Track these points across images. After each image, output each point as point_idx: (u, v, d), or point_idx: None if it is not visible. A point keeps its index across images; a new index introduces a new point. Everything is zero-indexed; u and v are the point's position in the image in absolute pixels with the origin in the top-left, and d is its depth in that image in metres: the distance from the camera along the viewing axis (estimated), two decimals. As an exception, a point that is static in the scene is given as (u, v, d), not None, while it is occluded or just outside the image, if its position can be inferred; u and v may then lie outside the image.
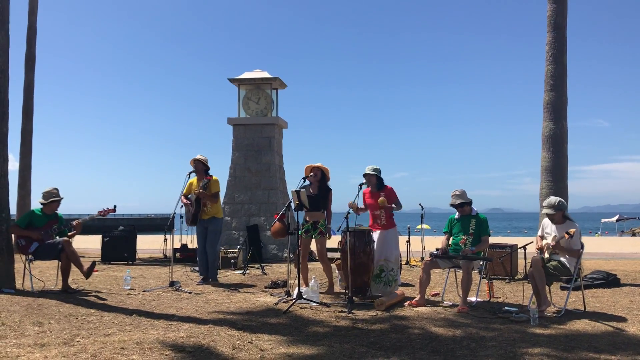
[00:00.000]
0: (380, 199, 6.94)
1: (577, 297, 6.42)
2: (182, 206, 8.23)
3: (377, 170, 7.09)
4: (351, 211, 6.66)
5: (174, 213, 8.21)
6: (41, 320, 5.31)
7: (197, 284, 7.99)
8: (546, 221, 6.23)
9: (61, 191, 7.42)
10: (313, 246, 7.67)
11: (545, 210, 6.14)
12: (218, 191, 8.33)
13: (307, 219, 7.24)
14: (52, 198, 7.27)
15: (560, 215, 6.02)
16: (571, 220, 6.05)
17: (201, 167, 8.24)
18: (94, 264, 7.28)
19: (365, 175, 7.10)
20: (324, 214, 7.26)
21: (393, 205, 7.07)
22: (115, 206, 7.56)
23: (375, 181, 7.09)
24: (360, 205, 7.17)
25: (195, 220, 8.21)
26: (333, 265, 7.75)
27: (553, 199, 6.15)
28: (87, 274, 7.16)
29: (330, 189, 7.34)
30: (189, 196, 8.24)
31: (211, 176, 8.20)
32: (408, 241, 11.70)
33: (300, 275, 6.87)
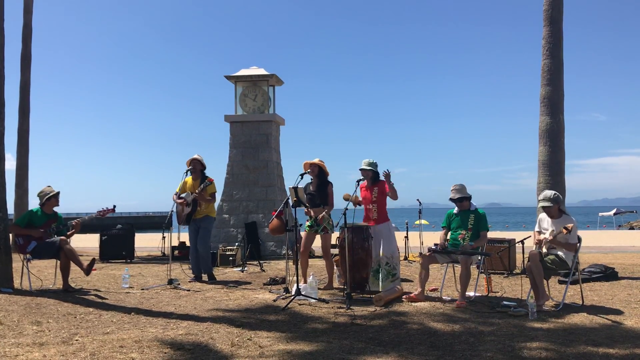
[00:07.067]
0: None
1: (575, 291, 6.44)
2: (174, 204, 8.20)
3: (374, 165, 7.12)
4: (350, 206, 6.68)
5: (172, 211, 8.21)
6: (40, 319, 5.30)
7: (189, 282, 7.99)
8: (543, 216, 6.23)
9: (60, 190, 7.41)
10: (315, 242, 7.66)
11: (541, 203, 6.14)
12: (214, 192, 8.37)
13: (312, 214, 7.27)
14: (48, 195, 7.28)
15: (556, 208, 6.02)
16: (567, 215, 6.04)
17: (199, 167, 8.26)
18: (93, 260, 7.28)
19: (361, 170, 7.11)
20: (324, 210, 7.27)
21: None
22: (114, 206, 7.55)
23: (371, 175, 7.11)
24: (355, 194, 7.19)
25: (189, 220, 8.20)
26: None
27: (549, 192, 6.16)
28: (87, 271, 7.15)
29: (330, 183, 7.33)
30: (182, 195, 8.22)
31: (212, 179, 8.18)
32: (406, 236, 11.70)
33: (300, 271, 6.87)
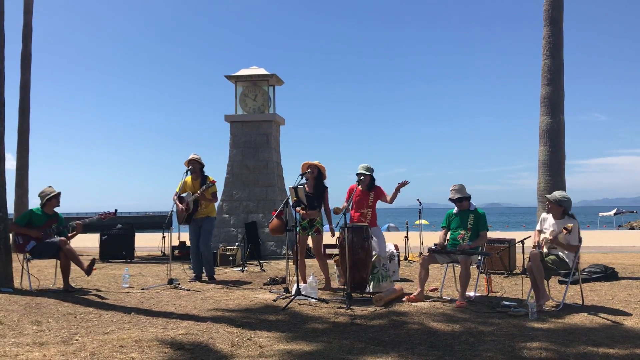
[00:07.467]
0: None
1: (576, 291, 6.44)
2: (174, 204, 8.20)
3: (371, 170, 7.16)
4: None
5: (172, 211, 8.21)
6: (40, 319, 5.30)
7: (189, 282, 8.00)
8: (545, 215, 6.23)
9: (60, 190, 7.41)
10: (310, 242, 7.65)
11: (548, 196, 6.15)
12: (215, 192, 8.38)
13: (306, 215, 7.24)
14: (48, 195, 7.29)
15: (559, 211, 6.00)
16: (571, 217, 6.02)
17: (198, 167, 8.27)
18: (93, 261, 7.28)
19: (359, 175, 7.12)
20: (319, 212, 7.26)
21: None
22: (116, 210, 7.58)
23: (368, 181, 7.14)
24: (344, 203, 7.18)
25: (190, 219, 8.20)
26: (331, 262, 7.74)
27: (558, 193, 6.15)
28: (88, 271, 7.15)
29: (326, 187, 7.35)
30: (183, 195, 8.21)
31: (214, 180, 8.18)
32: (406, 236, 11.71)
33: (299, 272, 6.85)
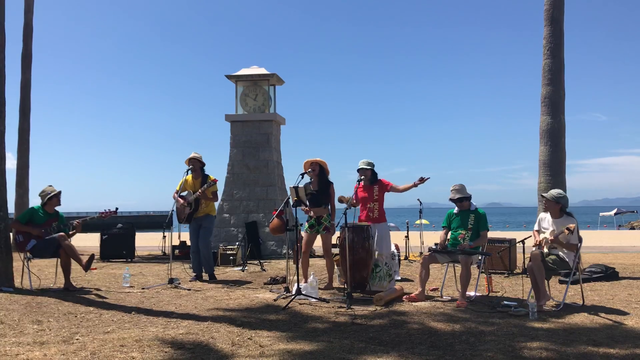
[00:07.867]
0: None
1: (576, 291, 6.44)
2: (174, 204, 8.19)
3: (371, 164, 7.14)
4: (345, 205, 6.69)
5: (172, 210, 8.21)
6: (40, 318, 5.31)
7: (190, 281, 8.00)
8: (543, 215, 6.23)
9: (60, 189, 7.42)
10: (316, 242, 7.64)
11: (545, 195, 6.15)
12: (216, 191, 8.39)
13: (311, 214, 7.24)
14: (49, 195, 7.30)
15: (557, 208, 6.01)
16: (569, 216, 6.03)
17: (199, 165, 8.27)
18: (92, 256, 7.28)
19: (360, 170, 7.11)
20: (327, 209, 7.26)
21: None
22: (117, 208, 7.59)
23: (370, 175, 7.12)
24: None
25: (190, 218, 8.21)
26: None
27: (555, 190, 6.16)
28: (86, 267, 7.16)
29: (331, 183, 7.34)
30: (183, 194, 8.22)
31: (216, 179, 8.18)
32: (407, 236, 11.71)
33: (301, 271, 6.88)
